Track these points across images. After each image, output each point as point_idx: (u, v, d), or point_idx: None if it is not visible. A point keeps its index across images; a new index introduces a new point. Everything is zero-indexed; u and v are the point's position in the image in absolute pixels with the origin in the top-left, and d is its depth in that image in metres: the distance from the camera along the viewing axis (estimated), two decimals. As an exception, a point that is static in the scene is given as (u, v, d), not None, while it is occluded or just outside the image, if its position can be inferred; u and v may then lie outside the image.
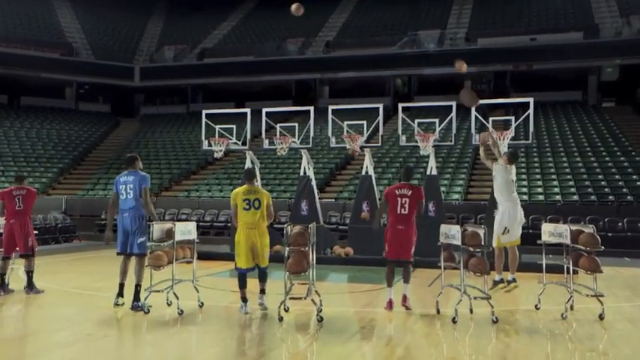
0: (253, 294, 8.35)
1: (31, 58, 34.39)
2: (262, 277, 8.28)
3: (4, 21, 37.13)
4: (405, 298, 8.39)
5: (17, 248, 9.63)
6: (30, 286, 9.51)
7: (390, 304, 8.35)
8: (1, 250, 9.67)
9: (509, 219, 10.37)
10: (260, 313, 8.16)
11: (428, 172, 15.25)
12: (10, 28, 36.65)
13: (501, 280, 10.60)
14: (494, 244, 10.36)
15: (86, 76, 36.85)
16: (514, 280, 10.61)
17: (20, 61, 33.86)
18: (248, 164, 16.03)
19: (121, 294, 8.32)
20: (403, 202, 8.26)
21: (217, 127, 16.59)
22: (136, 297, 8.20)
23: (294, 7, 11.43)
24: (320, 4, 40.70)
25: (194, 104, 38.64)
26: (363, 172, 15.87)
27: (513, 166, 10.74)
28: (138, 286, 8.23)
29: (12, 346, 6.58)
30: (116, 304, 8.27)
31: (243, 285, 8.18)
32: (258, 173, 14.60)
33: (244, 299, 8.15)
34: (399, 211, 8.29)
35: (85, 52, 38.08)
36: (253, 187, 8.31)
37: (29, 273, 9.55)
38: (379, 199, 16.23)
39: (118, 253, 8.42)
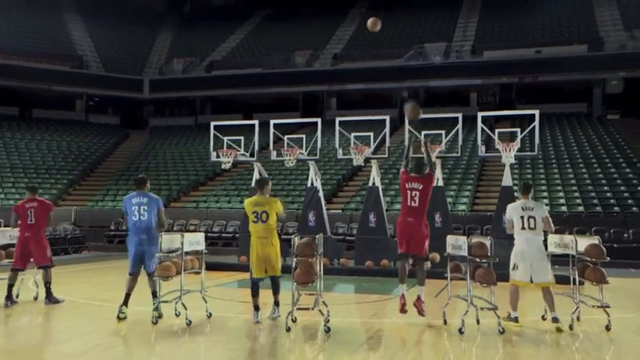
0: (265, 305, 8.40)
1: (42, 71, 34.83)
2: (276, 288, 8.35)
3: (16, 34, 37.56)
4: (419, 299, 7.99)
5: (32, 259, 9.72)
6: (49, 297, 9.62)
7: (402, 299, 7.96)
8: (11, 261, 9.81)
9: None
10: (268, 323, 8.20)
11: (434, 184, 15.23)
12: (22, 42, 37.05)
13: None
14: None
15: (96, 88, 37.20)
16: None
17: (32, 74, 34.31)
18: (256, 176, 16.13)
19: (125, 304, 8.31)
20: (413, 194, 8.19)
21: (225, 138, 16.75)
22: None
23: (370, 22, 10.46)
24: (328, 18, 41.08)
25: (202, 116, 38.89)
26: (370, 184, 15.93)
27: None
28: (155, 292, 8.39)
29: (21, 357, 6.64)
30: (119, 314, 8.23)
31: (255, 294, 8.19)
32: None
33: (256, 308, 8.18)
34: (409, 204, 8.22)
35: (96, 65, 38.52)
36: (262, 198, 8.30)
37: (47, 284, 9.64)
38: (386, 210, 16.29)
39: (130, 274, 8.39)
